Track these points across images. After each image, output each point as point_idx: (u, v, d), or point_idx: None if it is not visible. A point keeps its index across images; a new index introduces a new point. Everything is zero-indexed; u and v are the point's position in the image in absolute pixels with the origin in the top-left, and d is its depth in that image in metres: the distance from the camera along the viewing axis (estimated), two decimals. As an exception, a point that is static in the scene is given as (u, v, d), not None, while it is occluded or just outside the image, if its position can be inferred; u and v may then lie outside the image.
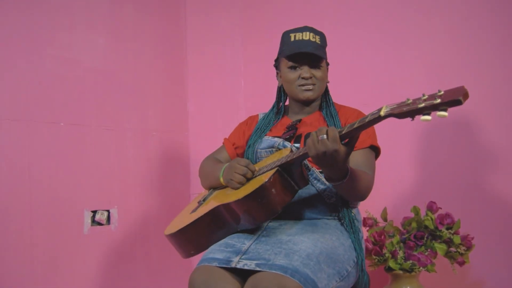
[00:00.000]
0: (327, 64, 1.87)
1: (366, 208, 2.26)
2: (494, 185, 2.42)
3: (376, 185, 2.50)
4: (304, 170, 1.53)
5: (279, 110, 1.91)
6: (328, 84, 1.90)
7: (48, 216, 2.48)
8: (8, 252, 2.31)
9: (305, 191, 1.62)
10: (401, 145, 2.59)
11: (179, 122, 3.30)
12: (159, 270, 2.98)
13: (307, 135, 1.63)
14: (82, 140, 2.67)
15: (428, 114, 1.14)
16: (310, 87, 1.76)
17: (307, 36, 1.76)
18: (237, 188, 1.58)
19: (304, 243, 1.44)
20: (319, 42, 1.77)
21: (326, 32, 2.90)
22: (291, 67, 1.77)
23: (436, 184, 2.55)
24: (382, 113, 1.22)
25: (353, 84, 2.79)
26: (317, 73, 1.75)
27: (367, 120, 1.25)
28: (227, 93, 3.30)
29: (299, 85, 1.76)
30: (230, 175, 1.60)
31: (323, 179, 1.59)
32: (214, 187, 1.81)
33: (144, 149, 3.00)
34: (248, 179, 1.58)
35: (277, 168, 1.45)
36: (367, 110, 2.43)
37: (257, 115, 2.01)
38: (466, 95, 1.10)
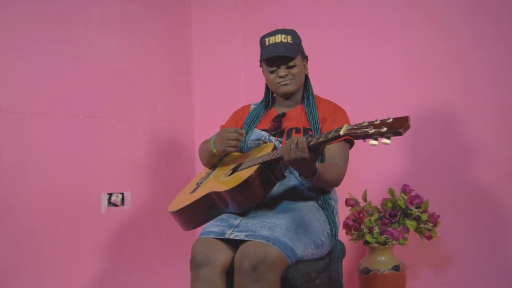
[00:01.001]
0: (305, 57, 2.03)
1: (348, 190, 2.49)
2: (462, 170, 2.62)
3: (359, 170, 2.74)
4: (283, 166, 1.73)
5: (267, 103, 2.10)
6: (310, 76, 2.05)
7: (70, 198, 2.67)
8: (37, 229, 2.52)
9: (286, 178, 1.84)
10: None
11: (185, 113, 3.44)
12: (167, 244, 3.15)
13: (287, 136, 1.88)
14: (99, 131, 2.83)
15: (376, 139, 1.33)
16: (288, 81, 1.93)
17: (279, 38, 1.92)
18: (234, 151, 1.83)
19: (285, 218, 1.69)
20: (291, 41, 1.92)
21: (319, 29, 3.05)
22: (270, 71, 1.96)
23: (412, 169, 2.73)
24: (341, 132, 1.43)
25: (343, 78, 2.96)
26: (292, 69, 1.93)
27: (329, 136, 1.46)
28: (229, 86, 3.43)
29: (278, 83, 1.95)
30: (224, 143, 1.83)
31: None
32: (211, 162, 2.04)
33: (154, 138, 3.15)
34: (240, 141, 1.82)
35: (259, 165, 1.67)
36: (354, 104, 2.67)
37: (249, 105, 2.18)
38: (406, 127, 1.28)
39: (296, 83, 1.97)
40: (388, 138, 1.30)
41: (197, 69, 3.52)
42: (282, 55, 1.90)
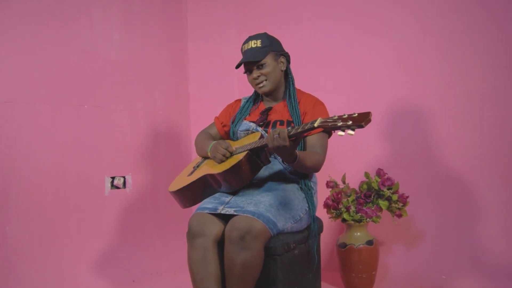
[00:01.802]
0: (282, 54, 2.18)
1: (329, 173, 2.73)
2: (433, 157, 2.86)
3: (339, 156, 2.99)
4: (268, 153, 1.96)
5: (256, 97, 2.32)
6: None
7: (77, 181, 2.87)
8: (47, 210, 2.73)
9: (271, 163, 2.08)
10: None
11: (182, 103, 3.63)
12: (165, 222, 3.37)
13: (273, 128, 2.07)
14: (102, 119, 3.02)
15: (343, 130, 1.53)
16: (261, 84, 2.15)
17: (249, 45, 2.14)
18: (219, 162, 2.04)
19: (268, 197, 1.94)
20: (260, 45, 2.11)
21: (306, 25, 3.23)
22: (247, 74, 2.19)
23: (388, 156, 2.97)
24: (315, 124, 1.64)
25: (326, 71, 3.18)
26: (263, 70, 2.12)
27: (306, 127, 1.68)
28: (223, 77, 3.61)
29: (255, 84, 2.17)
30: (214, 153, 2.06)
31: None
32: (204, 157, 2.28)
33: (153, 126, 3.35)
34: (228, 157, 2.03)
35: (247, 151, 1.91)
36: (336, 94, 2.87)
37: (241, 99, 2.40)
38: (368, 121, 1.48)
39: (270, 82, 2.16)
40: (353, 130, 1.52)
41: (193, 61, 3.70)
42: (248, 61, 2.11)
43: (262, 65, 2.13)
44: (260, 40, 2.14)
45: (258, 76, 2.15)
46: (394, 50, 2.99)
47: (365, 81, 3.07)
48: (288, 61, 2.25)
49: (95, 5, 3.04)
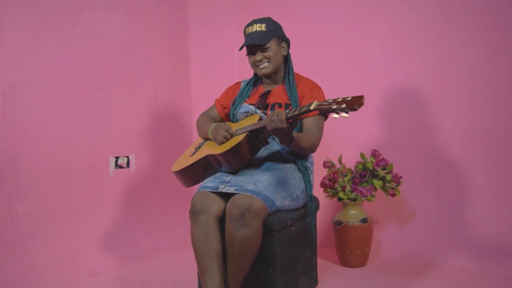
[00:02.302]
0: (284, 40, 2.26)
1: (326, 154, 2.84)
2: (427, 139, 2.93)
3: (336, 137, 3.07)
4: (266, 134, 2.05)
5: (255, 81, 2.40)
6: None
7: (83, 161, 2.94)
8: (55, 189, 2.80)
9: (270, 144, 2.16)
10: (361, 109, 3.06)
11: (183, 84, 3.68)
12: (167, 201, 3.46)
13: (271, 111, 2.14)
14: (106, 101, 3.08)
15: (337, 113, 1.62)
16: (263, 65, 2.23)
17: (254, 28, 2.19)
18: (220, 144, 2.13)
19: (267, 176, 2.04)
20: (265, 29, 2.18)
21: (304, 9, 3.28)
22: (248, 55, 2.25)
23: (384, 137, 3.04)
24: (311, 107, 1.73)
25: (324, 55, 3.23)
26: (266, 53, 2.21)
27: (303, 110, 1.77)
28: (223, 60, 3.66)
29: (256, 66, 2.25)
30: (215, 135, 2.15)
31: None
32: (206, 139, 2.37)
33: (155, 107, 3.41)
34: (228, 139, 2.12)
35: (247, 132, 2.00)
36: (334, 76, 2.91)
37: (240, 82, 2.48)
38: (360, 104, 1.56)
39: (272, 65, 2.24)
40: (347, 112, 1.60)
41: (194, 44, 3.75)
42: (254, 44, 2.18)
43: (266, 48, 2.20)
44: (264, 24, 2.20)
45: (261, 59, 2.22)
46: (391, 34, 3.03)
47: (362, 65, 3.12)
48: (289, 46, 2.31)
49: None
